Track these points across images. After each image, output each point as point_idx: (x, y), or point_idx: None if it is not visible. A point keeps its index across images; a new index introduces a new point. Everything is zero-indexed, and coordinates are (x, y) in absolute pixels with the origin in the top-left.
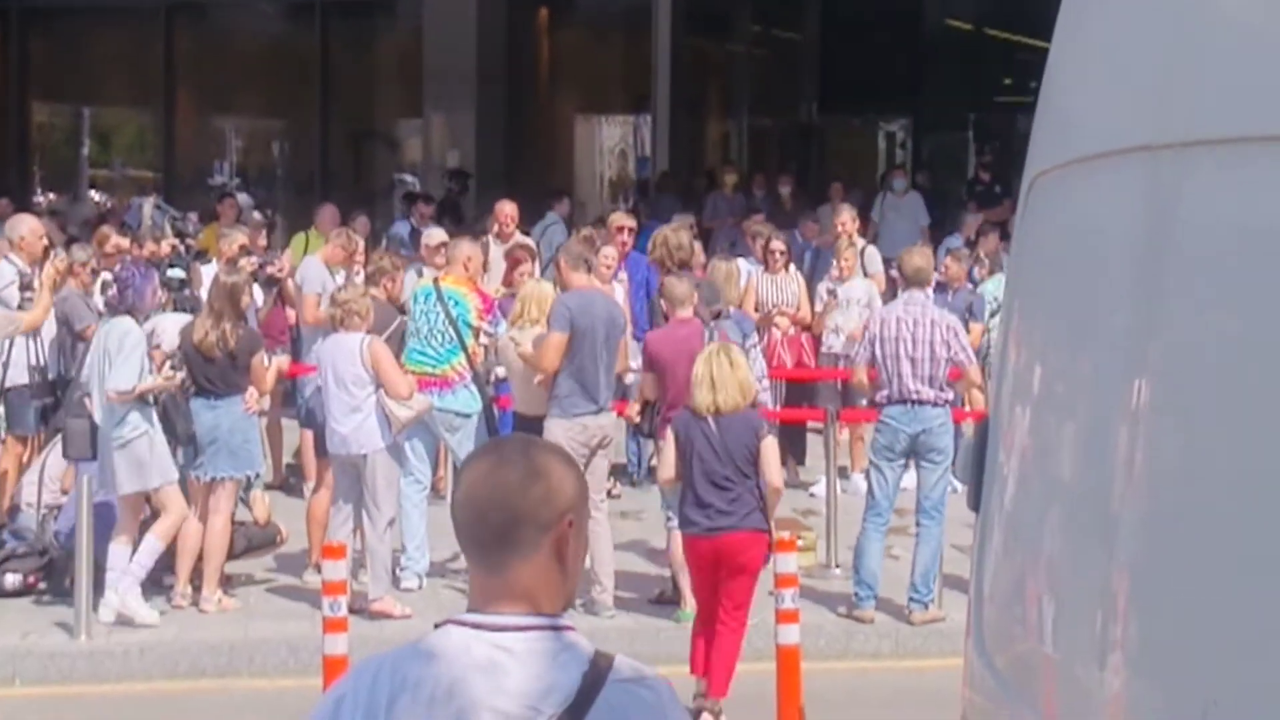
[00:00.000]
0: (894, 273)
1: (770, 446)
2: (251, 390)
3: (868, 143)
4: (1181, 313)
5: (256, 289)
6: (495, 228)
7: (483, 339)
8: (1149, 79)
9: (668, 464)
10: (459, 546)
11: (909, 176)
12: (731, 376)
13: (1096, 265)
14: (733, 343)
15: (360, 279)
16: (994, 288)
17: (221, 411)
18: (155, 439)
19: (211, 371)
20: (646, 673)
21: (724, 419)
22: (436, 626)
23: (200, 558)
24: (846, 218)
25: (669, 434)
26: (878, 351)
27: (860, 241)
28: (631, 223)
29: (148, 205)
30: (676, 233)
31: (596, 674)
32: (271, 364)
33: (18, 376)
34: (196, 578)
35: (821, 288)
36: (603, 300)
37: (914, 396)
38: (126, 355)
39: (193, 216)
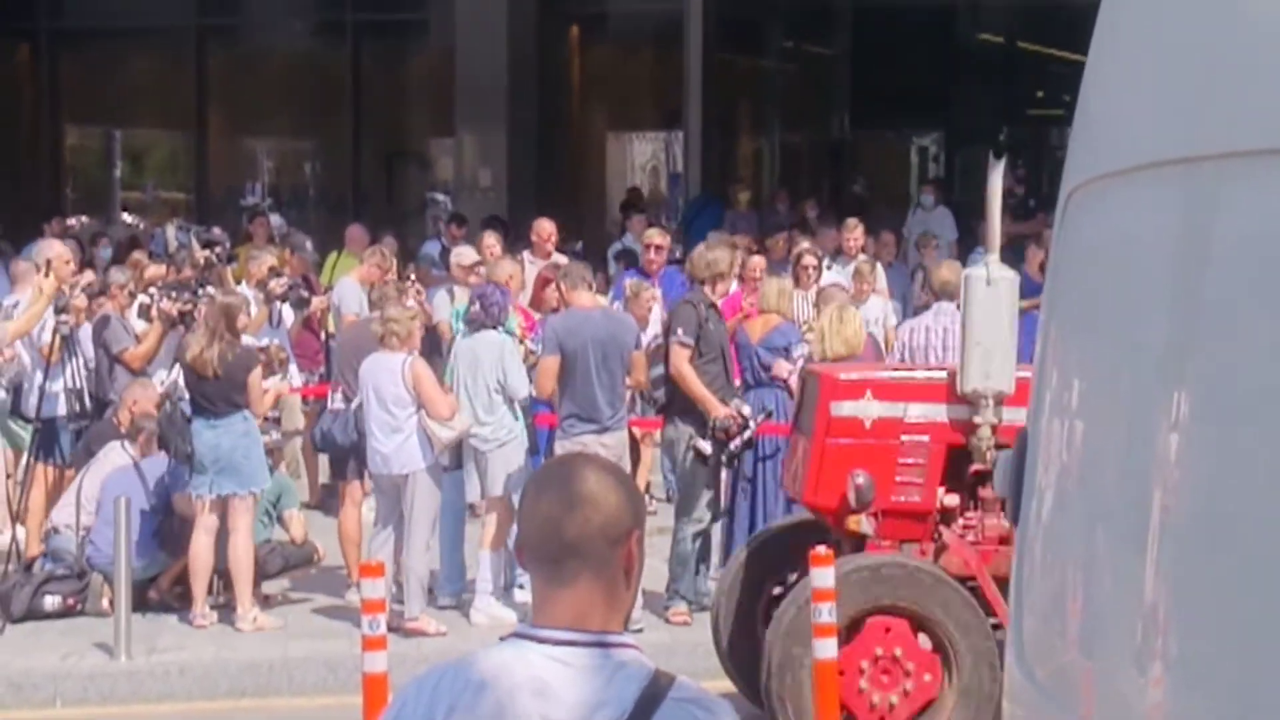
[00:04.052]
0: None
1: None
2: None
3: (900, 157)
4: (1220, 325)
5: (287, 310)
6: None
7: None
8: (1186, 91)
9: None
10: (519, 559)
11: (938, 192)
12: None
13: (1134, 278)
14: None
15: (411, 303)
16: None
17: (221, 430)
18: None
19: (208, 390)
20: (708, 695)
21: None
22: (501, 639)
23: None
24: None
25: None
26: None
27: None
28: (664, 240)
29: (170, 229)
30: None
31: (655, 691)
32: (270, 386)
33: (54, 407)
34: (217, 595)
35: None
36: (601, 319)
37: None
38: (518, 363)
39: (216, 229)
